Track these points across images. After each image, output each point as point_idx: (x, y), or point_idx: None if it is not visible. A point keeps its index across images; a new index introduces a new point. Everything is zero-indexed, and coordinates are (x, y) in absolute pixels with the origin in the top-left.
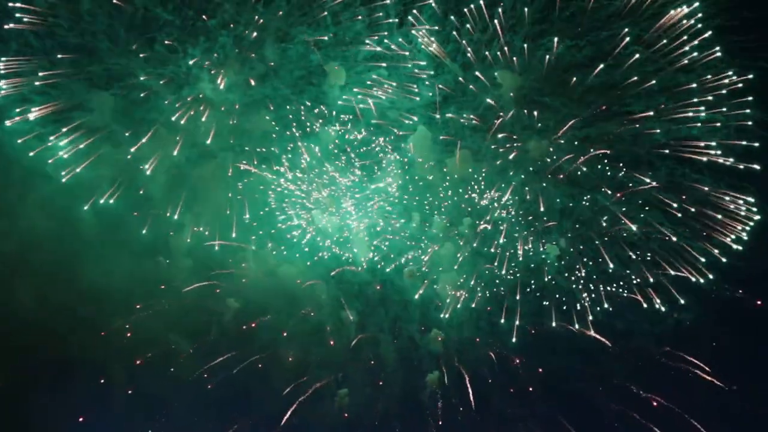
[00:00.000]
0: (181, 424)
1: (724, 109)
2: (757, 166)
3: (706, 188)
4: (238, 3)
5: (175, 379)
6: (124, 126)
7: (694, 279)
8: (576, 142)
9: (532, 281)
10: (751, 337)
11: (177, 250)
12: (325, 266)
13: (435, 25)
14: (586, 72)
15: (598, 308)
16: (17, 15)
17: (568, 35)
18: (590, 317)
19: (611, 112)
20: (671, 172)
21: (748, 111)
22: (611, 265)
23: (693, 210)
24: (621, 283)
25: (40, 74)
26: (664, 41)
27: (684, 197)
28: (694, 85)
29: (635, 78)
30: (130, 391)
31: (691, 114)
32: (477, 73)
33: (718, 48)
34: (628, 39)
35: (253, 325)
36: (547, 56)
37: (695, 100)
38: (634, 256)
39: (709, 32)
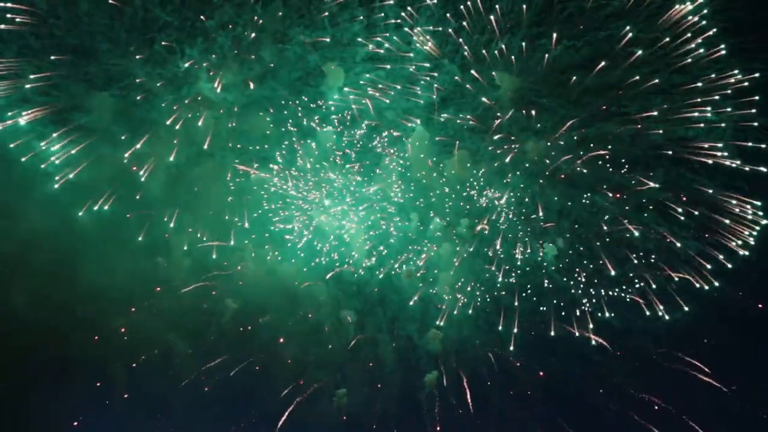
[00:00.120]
0: (180, 424)
1: (729, 110)
2: (763, 169)
3: (711, 191)
4: (237, 4)
5: (173, 379)
6: (122, 127)
7: (698, 285)
8: (575, 140)
9: (531, 284)
10: (751, 337)
11: (175, 251)
12: (323, 267)
13: (433, 26)
14: (585, 72)
15: (599, 314)
16: (10, 16)
17: (567, 35)
18: (591, 325)
19: (610, 113)
20: (674, 173)
21: (753, 111)
22: (612, 272)
23: (696, 213)
24: (623, 287)
25: (38, 75)
26: (667, 39)
27: (687, 199)
28: (699, 85)
29: (636, 78)
30: (128, 392)
31: (696, 114)
32: (475, 73)
33: (723, 46)
34: (630, 35)
35: (250, 328)
36: (546, 56)
37: (698, 100)
38: (636, 261)
39: (714, 30)
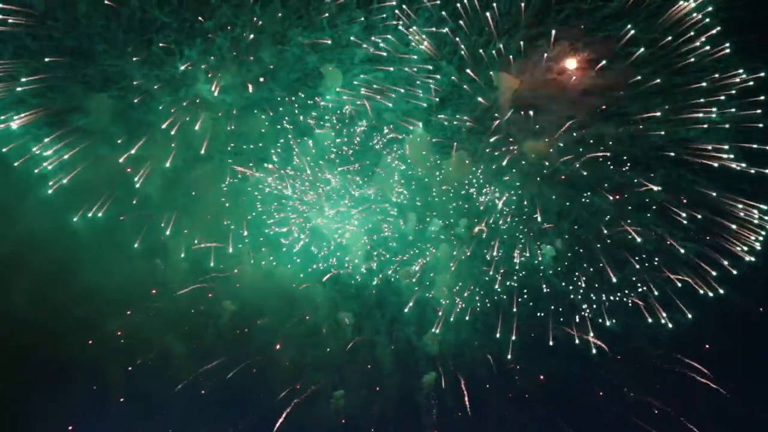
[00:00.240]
0: (176, 426)
1: (734, 110)
2: None
3: (714, 193)
4: (235, 5)
5: (170, 381)
6: (119, 129)
7: (702, 291)
8: (575, 141)
9: (529, 289)
10: (752, 341)
11: (172, 254)
12: (320, 271)
13: (432, 27)
14: (584, 73)
15: (600, 320)
16: (4, 17)
17: (566, 36)
18: (591, 334)
19: (611, 113)
20: (675, 175)
21: (759, 111)
22: (614, 278)
23: (700, 217)
24: (626, 291)
25: (34, 77)
26: (669, 38)
27: (690, 202)
28: (704, 84)
29: (638, 78)
30: (125, 394)
31: (701, 115)
32: (473, 74)
33: (727, 44)
34: (631, 33)
35: (247, 330)
36: (545, 56)
37: (702, 100)
38: (638, 266)
39: (718, 28)
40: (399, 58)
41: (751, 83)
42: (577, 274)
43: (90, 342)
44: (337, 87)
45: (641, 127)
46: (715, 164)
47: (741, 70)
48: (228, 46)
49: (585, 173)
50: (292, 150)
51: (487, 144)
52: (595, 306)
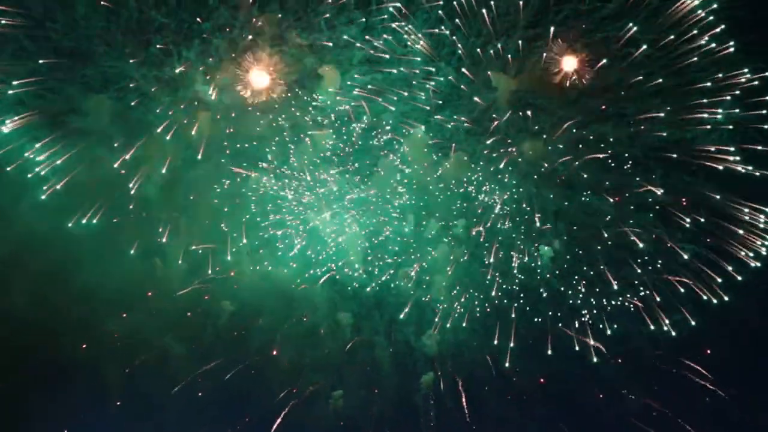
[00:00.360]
0: (174, 427)
1: (738, 111)
2: None
3: (718, 196)
4: (233, 6)
5: (169, 382)
6: (117, 130)
7: (705, 297)
8: (573, 142)
9: (528, 292)
10: (753, 344)
11: (170, 255)
12: (318, 274)
13: (431, 28)
14: (583, 73)
15: (600, 326)
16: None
17: (565, 36)
18: (591, 341)
19: (610, 114)
20: (676, 177)
21: (765, 112)
22: (615, 284)
23: (703, 220)
24: (627, 295)
25: (32, 79)
26: (671, 37)
27: (693, 205)
28: (708, 84)
29: (640, 77)
30: (124, 395)
31: (704, 115)
32: (471, 75)
33: (732, 43)
34: (633, 31)
35: (245, 331)
36: (543, 56)
37: (705, 101)
38: (639, 270)
39: (722, 27)
40: (398, 59)
41: (756, 83)
42: (576, 277)
43: (89, 342)
44: (335, 88)
45: (642, 127)
46: (720, 166)
47: (746, 70)
48: (226, 47)
49: (584, 174)
50: (289, 149)
51: (486, 145)
52: (595, 311)
